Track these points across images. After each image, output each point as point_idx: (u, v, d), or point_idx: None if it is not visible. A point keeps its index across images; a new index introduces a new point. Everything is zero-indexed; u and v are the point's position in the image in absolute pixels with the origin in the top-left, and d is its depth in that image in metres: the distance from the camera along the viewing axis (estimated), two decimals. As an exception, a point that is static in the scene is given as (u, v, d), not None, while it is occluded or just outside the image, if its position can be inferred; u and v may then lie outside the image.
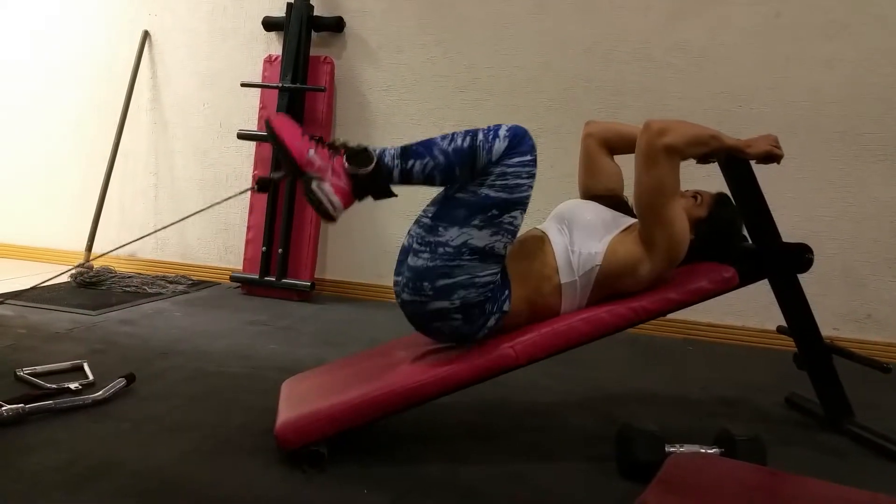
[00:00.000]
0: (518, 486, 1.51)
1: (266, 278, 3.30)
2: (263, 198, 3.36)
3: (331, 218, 1.58)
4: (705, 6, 2.94)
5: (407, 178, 1.60)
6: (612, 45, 3.05)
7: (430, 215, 1.61)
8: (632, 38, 3.03)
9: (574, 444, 1.75)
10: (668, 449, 1.55)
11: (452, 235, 1.55)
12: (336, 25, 3.36)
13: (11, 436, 1.58)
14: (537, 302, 1.66)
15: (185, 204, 3.65)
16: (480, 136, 1.55)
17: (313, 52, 3.38)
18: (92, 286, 3.24)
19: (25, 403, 1.68)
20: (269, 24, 3.44)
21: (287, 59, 3.32)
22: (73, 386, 1.85)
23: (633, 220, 1.74)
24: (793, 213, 2.81)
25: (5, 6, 3.83)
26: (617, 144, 1.90)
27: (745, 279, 1.75)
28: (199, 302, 3.13)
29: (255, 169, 3.45)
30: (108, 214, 3.60)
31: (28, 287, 3.07)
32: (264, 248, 3.32)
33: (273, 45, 3.47)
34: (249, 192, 3.42)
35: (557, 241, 1.68)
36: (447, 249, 1.55)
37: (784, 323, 1.96)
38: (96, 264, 3.39)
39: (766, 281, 1.84)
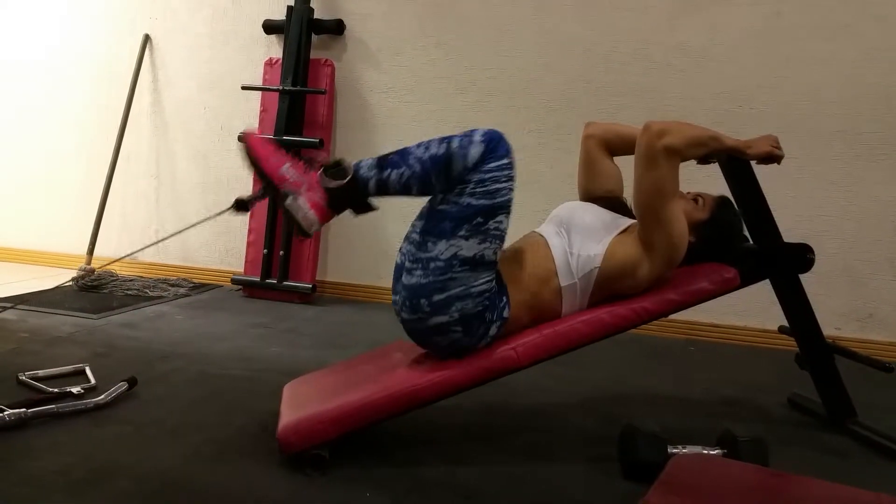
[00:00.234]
0: (520, 487, 1.51)
1: (267, 281, 3.30)
2: (264, 200, 3.36)
3: (306, 234, 1.58)
4: (705, 6, 2.94)
5: (384, 189, 1.59)
6: (612, 46, 3.05)
7: (417, 231, 1.60)
8: (632, 38, 3.03)
9: (576, 445, 1.75)
10: (671, 450, 1.54)
11: (441, 249, 1.54)
12: (336, 28, 3.36)
13: (14, 440, 1.58)
14: (537, 306, 1.66)
15: (186, 207, 3.65)
16: (455, 143, 1.54)
17: (313, 54, 3.39)
18: (93, 289, 3.24)
19: (28, 407, 1.68)
20: (270, 28, 3.44)
21: (287, 62, 3.32)
22: (74, 390, 1.85)
23: (631, 222, 1.74)
24: (794, 213, 2.81)
25: (7, 10, 3.83)
26: (617, 146, 1.90)
27: (747, 279, 1.75)
28: (201, 305, 3.13)
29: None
30: (109, 218, 3.60)
31: (29, 292, 3.08)
32: (265, 251, 3.32)
33: (273, 48, 3.48)
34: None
35: (556, 244, 1.68)
36: (438, 264, 1.54)
37: (786, 323, 1.95)
38: (98, 268, 3.39)
39: (767, 281, 1.84)
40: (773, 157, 1.71)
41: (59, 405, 1.73)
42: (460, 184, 1.54)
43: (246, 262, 3.41)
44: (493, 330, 1.62)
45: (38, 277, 3.50)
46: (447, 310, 1.55)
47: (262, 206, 3.37)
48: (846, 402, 1.89)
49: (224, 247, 3.61)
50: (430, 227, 1.57)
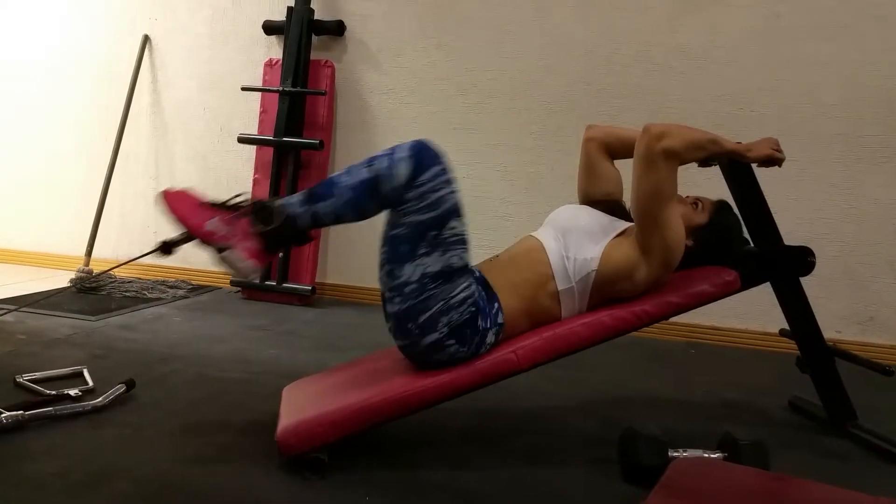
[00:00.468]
0: (520, 490, 1.50)
1: (266, 283, 3.30)
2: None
3: (249, 279, 1.57)
4: (705, 8, 2.94)
5: (317, 222, 1.58)
6: (613, 48, 3.05)
7: (383, 259, 1.59)
8: (633, 40, 3.03)
9: (576, 448, 1.75)
10: (672, 453, 1.54)
11: (409, 272, 1.53)
12: (336, 29, 3.36)
13: (11, 443, 1.58)
14: (535, 311, 1.66)
15: (186, 208, 3.64)
16: (383, 164, 1.53)
17: (314, 55, 3.38)
18: (91, 291, 3.23)
19: (25, 410, 1.67)
20: (270, 28, 3.44)
21: (287, 63, 3.32)
22: (72, 392, 1.84)
23: (628, 225, 1.74)
24: (794, 216, 2.81)
25: (7, 10, 3.83)
26: (617, 149, 1.89)
27: (747, 282, 1.74)
28: (200, 307, 3.13)
29: (255, 173, 3.45)
30: (107, 218, 3.60)
31: (26, 293, 3.08)
32: (265, 253, 3.31)
33: (273, 48, 3.48)
34: (250, 195, 3.43)
35: (552, 248, 1.67)
36: (412, 287, 1.54)
37: (786, 326, 1.95)
38: (96, 270, 3.39)
39: (768, 284, 1.83)
40: (773, 160, 1.71)
41: (56, 407, 1.73)
42: (400, 203, 1.53)
43: (245, 263, 3.40)
44: (490, 338, 1.61)
45: (36, 279, 3.49)
46: (435, 326, 1.55)
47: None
48: (847, 406, 1.89)
49: (223, 248, 3.60)
50: (391, 254, 1.56)
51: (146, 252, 1.69)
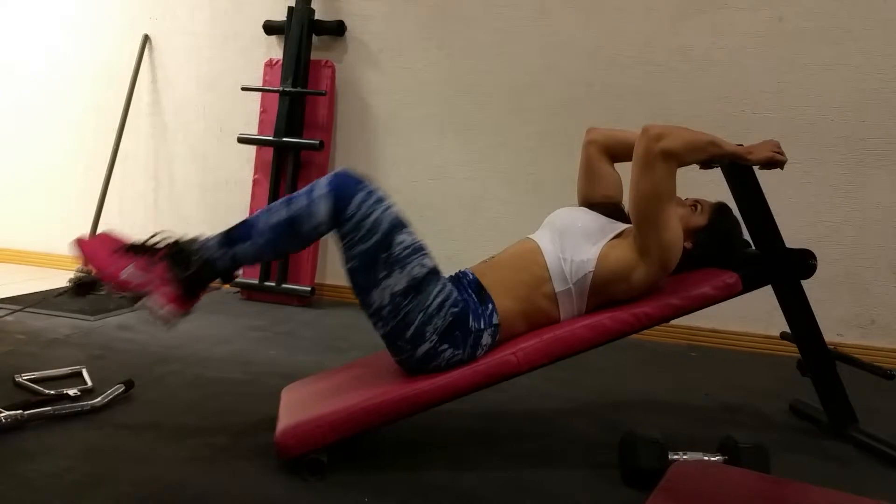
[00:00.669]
0: (520, 492, 1.50)
1: (266, 283, 3.29)
2: (263, 202, 3.35)
3: (170, 325, 1.54)
4: (708, 10, 2.94)
5: (236, 264, 1.56)
6: (614, 50, 3.04)
7: (353, 291, 1.59)
8: (634, 42, 3.02)
9: (576, 451, 1.74)
10: (672, 456, 1.53)
11: (377, 297, 1.54)
12: (337, 29, 3.35)
13: (10, 442, 1.57)
14: (532, 312, 1.66)
15: (185, 208, 3.65)
16: (302, 203, 1.52)
17: (314, 55, 3.38)
18: (91, 291, 3.22)
19: (24, 410, 1.67)
20: (270, 28, 3.43)
21: (288, 63, 3.31)
22: (71, 392, 1.84)
23: (625, 226, 1.74)
24: (796, 219, 2.80)
25: (7, 10, 3.82)
26: (618, 151, 1.89)
27: (749, 285, 1.74)
28: (199, 307, 3.10)
29: (255, 173, 3.44)
30: (107, 218, 3.58)
31: (26, 293, 3.07)
32: (265, 253, 3.30)
33: (274, 48, 3.47)
34: (250, 195, 3.43)
35: (549, 250, 1.67)
36: (386, 309, 1.55)
37: (787, 329, 1.95)
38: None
39: (769, 287, 1.83)
40: (775, 163, 1.70)
41: (55, 407, 1.72)
42: (342, 238, 1.53)
43: (245, 263, 3.40)
44: (485, 339, 1.61)
45: (36, 278, 3.49)
46: (424, 337, 1.55)
47: (262, 206, 3.34)
48: (848, 409, 1.88)
49: (223, 248, 3.60)
50: (356, 286, 1.57)
51: (59, 291, 1.67)
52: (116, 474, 1.46)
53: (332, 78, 3.38)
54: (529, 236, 1.76)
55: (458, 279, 1.70)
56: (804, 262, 1.80)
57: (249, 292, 3.35)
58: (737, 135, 1.90)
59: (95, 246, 1.53)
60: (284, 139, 3.29)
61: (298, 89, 3.29)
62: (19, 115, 3.85)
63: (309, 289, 3.26)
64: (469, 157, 3.24)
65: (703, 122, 2.80)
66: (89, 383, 1.95)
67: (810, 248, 1.81)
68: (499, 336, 1.64)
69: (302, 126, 3.35)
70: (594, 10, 3.06)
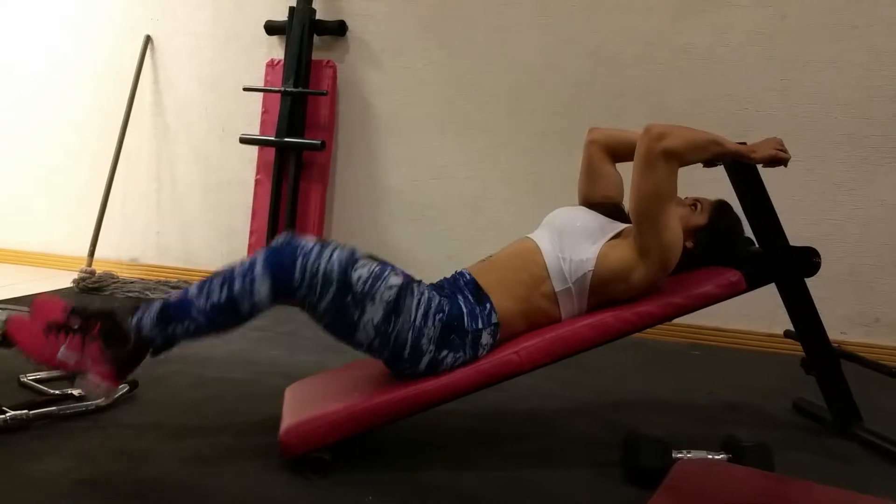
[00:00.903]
0: (522, 492, 1.49)
1: (269, 283, 3.29)
2: (265, 202, 3.36)
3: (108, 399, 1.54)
4: (710, 8, 2.93)
5: (171, 342, 1.52)
6: (616, 48, 3.04)
7: (341, 341, 1.60)
8: (636, 40, 3.02)
9: (579, 450, 1.74)
10: (675, 455, 1.53)
11: (363, 336, 1.53)
12: (338, 29, 3.35)
13: (15, 442, 1.58)
14: (531, 311, 1.66)
15: (187, 209, 3.65)
16: (238, 285, 1.47)
17: (315, 55, 3.38)
18: (94, 291, 3.23)
19: (29, 410, 1.67)
20: (271, 28, 3.43)
21: (289, 63, 3.31)
22: (76, 392, 1.84)
23: (625, 226, 1.73)
24: (800, 217, 2.80)
25: (8, 10, 3.83)
26: (620, 151, 1.88)
27: (752, 283, 1.73)
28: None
29: (257, 174, 3.44)
30: (110, 219, 3.59)
31: (29, 294, 3.08)
32: (267, 253, 3.30)
33: (275, 49, 3.47)
34: (252, 196, 3.43)
35: (548, 250, 1.67)
36: (376, 341, 1.54)
37: (791, 327, 1.94)
38: (99, 270, 3.39)
39: (772, 285, 1.82)
40: (778, 160, 1.70)
41: (60, 407, 1.73)
42: (302, 302, 1.52)
43: (247, 263, 3.40)
44: (485, 338, 1.61)
45: (39, 279, 3.49)
46: (422, 350, 1.55)
47: (264, 207, 3.37)
48: (852, 407, 1.87)
49: (225, 249, 3.60)
50: (340, 336, 1.57)
51: None
52: (120, 474, 1.46)
53: (334, 78, 3.38)
54: (528, 235, 1.75)
55: (455, 279, 1.70)
56: (808, 260, 1.79)
57: (252, 292, 3.34)
58: (739, 133, 1.89)
59: (26, 328, 1.48)
60: (286, 139, 3.29)
61: (300, 89, 3.29)
62: (22, 116, 3.85)
63: (312, 289, 3.26)
64: (470, 156, 3.24)
65: (705, 120, 2.79)
66: (93, 383, 1.95)
67: (814, 246, 1.80)
68: (499, 335, 1.63)
69: (304, 126, 3.36)
70: (595, 9, 3.06)
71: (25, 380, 1.93)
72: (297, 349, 2.53)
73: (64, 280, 3.37)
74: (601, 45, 3.06)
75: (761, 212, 1.80)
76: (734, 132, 1.79)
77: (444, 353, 1.56)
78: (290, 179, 3.32)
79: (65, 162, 3.80)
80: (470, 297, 1.63)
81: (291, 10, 3.34)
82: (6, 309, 2.64)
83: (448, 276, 1.74)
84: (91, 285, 3.26)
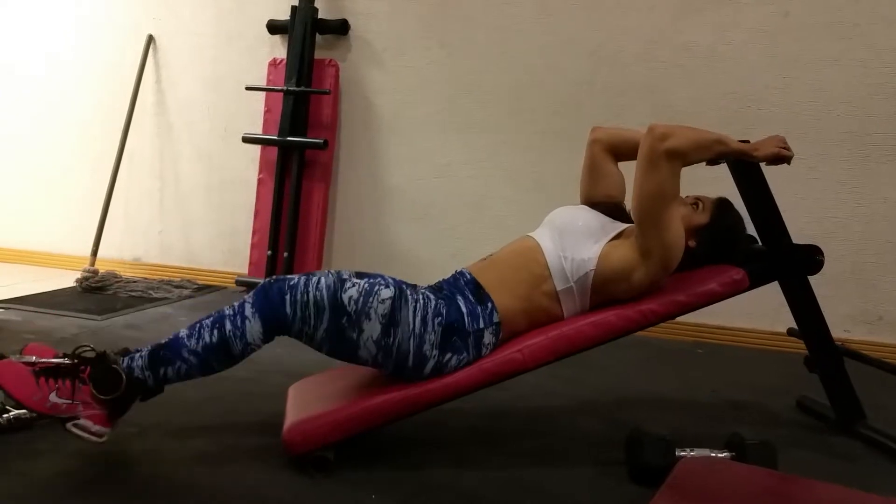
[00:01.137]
0: (525, 490, 1.49)
1: (272, 282, 3.29)
2: (268, 201, 3.36)
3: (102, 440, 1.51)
4: (712, 6, 2.92)
5: (162, 384, 1.53)
6: (617, 47, 3.04)
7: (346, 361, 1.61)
8: (638, 39, 3.01)
9: (582, 449, 1.74)
10: (679, 453, 1.53)
11: (366, 353, 1.54)
12: (340, 28, 3.35)
13: (19, 441, 1.58)
14: (532, 310, 1.65)
15: (190, 208, 3.65)
16: (228, 327, 1.49)
17: (318, 54, 3.38)
18: (97, 291, 3.24)
19: (31, 409, 1.67)
20: (274, 28, 3.43)
21: (291, 62, 3.31)
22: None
23: (626, 226, 1.73)
24: (803, 215, 2.79)
25: (10, 9, 3.84)
26: (623, 150, 1.87)
27: (755, 281, 1.73)
28: (205, 306, 3.12)
29: (260, 173, 3.45)
30: (112, 218, 3.60)
31: (32, 293, 3.08)
32: (269, 252, 3.31)
33: (277, 48, 3.47)
34: (255, 195, 3.43)
35: (549, 249, 1.67)
36: (380, 354, 1.54)
37: (794, 325, 1.94)
38: (102, 269, 3.40)
39: (776, 283, 1.82)
40: (781, 158, 1.69)
41: (62, 407, 1.72)
42: (299, 336, 1.54)
43: (250, 263, 3.41)
44: (487, 337, 1.61)
45: (42, 279, 3.50)
46: (425, 357, 1.55)
47: (266, 206, 3.37)
48: (856, 406, 1.87)
49: (228, 248, 3.61)
50: (343, 357, 1.59)
51: None
52: (123, 473, 1.46)
53: (336, 77, 3.38)
54: (529, 234, 1.75)
55: (455, 279, 1.69)
56: (811, 258, 1.79)
57: (255, 291, 3.35)
58: (742, 131, 1.89)
59: (14, 375, 1.46)
60: (289, 138, 3.29)
61: (302, 88, 3.29)
62: (24, 116, 3.86)
63: (314, 288, 3.26)
64: (472, 155, 3.24)
65: (707, 118, 2.79)
66: (96, 382, 1.95)
67: (817, 244, 1.80)
68: (501, 334, 1.63)
69: (306, 125, 3.36)
70: (596, 8, 3.05)
71: (29, 379, 1.93)
72: (301, 347, 2.50)
73: (67, 280, 3.37)
74: (602, 44, 3.05)
75: (764, 210, 1.80)
76: (736, 130, 1.79)
77: (448, 356, 1.56)
78: (292, 179, 3.32)
79: (67, 162, 3.81)
80: (470, 296, 1.63)
81: (294, 9, 3.34)
82: (10, 309, 2.65)
83: (448, 275, 1.74)
84: (94, 284, 3.26)
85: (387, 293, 1.54)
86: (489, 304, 1.62)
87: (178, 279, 3.54)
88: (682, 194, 1.70)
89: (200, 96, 3.60)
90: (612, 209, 1.83)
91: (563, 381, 2.20)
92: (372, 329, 1.51)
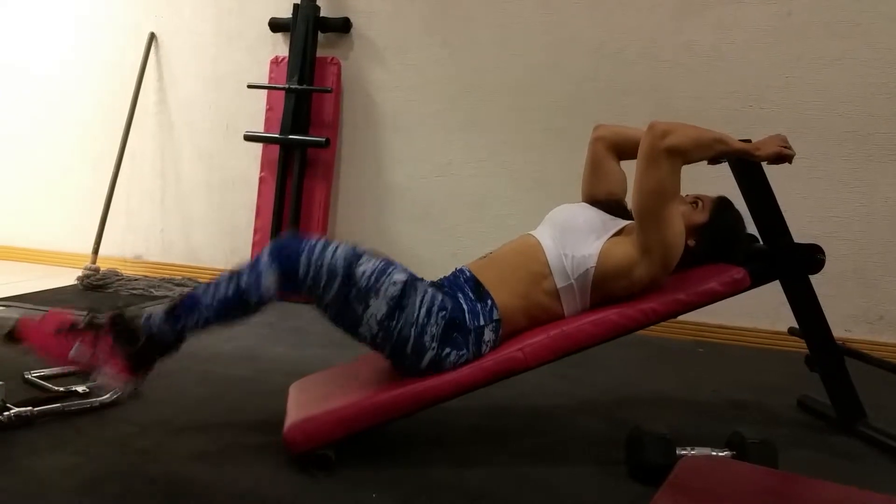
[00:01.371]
0: (527, 489, 1.49)
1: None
2: (270, 200, 3.36)
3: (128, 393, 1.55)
4: (714, 5, 2.92)
5: (182, 337, 1.56)
6: (620, 45, 3.04)
7: (346, 333, 1.61)
8: (640, 37, 3.01)
9: (583, 447, 1.74)
10: (679, 452, 1.53)
11: (366, 330, 1.54)
12: (342, 26, 3.35)
13: (20, 439, 1.58)
14: (532, 308, 1.66)
15: (192, 206, 3.66)
16: (244, 279, 1.51)
17: (320, 52, 3.38)
18: (98, 289, 3.24)
19: (34, 406, 1.67)
20: (276, 26, 3.44)
21: (293, 61, 3.32)
22: (80, 389, 1.85)
23: (626, 223, 1.73)
24: (804, 214, 2.79)
25: (12, 8, 3.84)
26: (625, 148, 1.87)
27: (756, 280, 1.73)
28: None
29: (261, 171, 3.45)
30: (114, 217, 3.60)
31: (34, 291, 3.09)
32: (271, 250, 3.31)
33: (279, 46, 3.47)
34: (256, 193, 3.44)
35: (550, 246, 1.67)
36: (381, 335, 1.54)
37: (795, 324, 1.94)
38: (103, 267, 3.40)
39: (777, 282, 1.82)
40: (783, 157, 1.69)
41: (64, 404, 1.73)
42: (309, 295, 1.54)
43: (251, 261, 3.41)
44: (487, 335, 1.61)
45: (44, 277, 3.50)
46: (424, 347, 1.55)
47: (268, 205, 3.37)
48: (856, 405, 1.87)
49: (229, 246, 3.61)
50: (344, 328, 1.59)
51: None
52: (125, 470, 1.46)
53: (338, 75, 3.38)
54: (530, 232, 1.75)
55: (455, 277, 1.69)
56: (812, 257, 1.79)
57: (256, 290, 3.35)
58: (743, 130, 1.89)
59: (38, 330, 1.53)
60: (291, 137, 3.29)
61: (304, 86, 3.29)
62: (26, 115, 3.86)
63: (315, 286, 3.26)
64: (474, 154, 3.24)
65: (709, 117, 2.79)
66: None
67: (818, 243, 1.80)
68: (501, 332, 1.63)
69: (308, 123, 3.36)
70: (598, 7, 3.05)
71: (30, 377, 1.94)
72: (302, 346, 2.53)
73: (68, 277, 3.38)
74: (604, 43, 3.05)
75: (766, 209, 1.80)
76: (738, 129, 1.79)
77: (447, 350, 1.56)
78: (294, 177, 3.33)
79: (69, 160, 3.81)
80: (470, 294, 1.63)
81: (296, 6, 3.34)
82: (11, 306, 2.65)
83: (443, 276, 1.74)
84: (95, 282, 3.27)
85: (399, 277, 1.55)
86: (489, 302, 1.62)
87: (180, 277, 3.55)
88: (683, 193, 1.70)
89: (202, 94, 3.60)
90: (614, 206, 1.83)
91: (564, 380, 2.21)
92: (378, 308, 1.52)
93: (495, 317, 1.62)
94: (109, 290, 3.23)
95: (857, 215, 2.82)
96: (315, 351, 2.47)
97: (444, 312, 1.56)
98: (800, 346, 2.05)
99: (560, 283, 1.64)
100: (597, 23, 3.06)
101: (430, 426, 1.77)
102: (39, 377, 1.95)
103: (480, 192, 3.24)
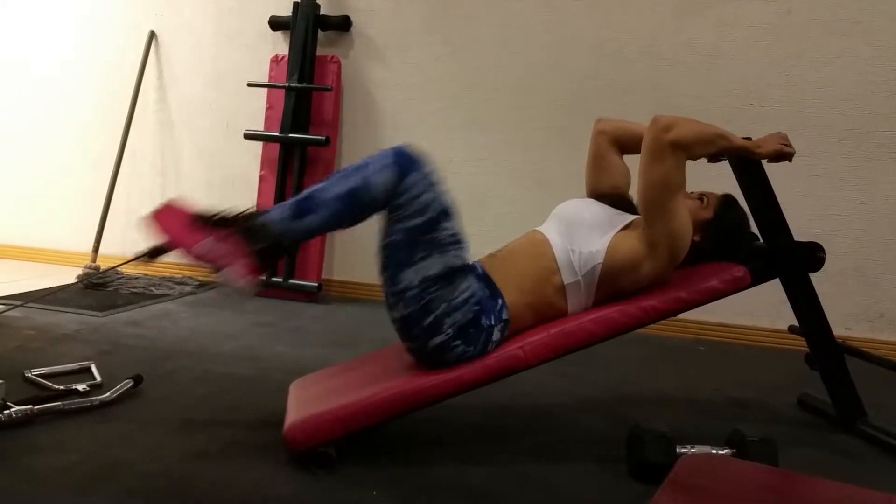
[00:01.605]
0: (528, 487, 1.50)
1: (273, 279, 3.30)
2: (270, 198, 3.36)
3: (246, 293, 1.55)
4: (715, 3, 2.92)
5: (304, 236, 1.56)
6: (621, 44, 3.03)
7: (383, 265, 1.59)
8: (641, 36, 3.01)
9: (584, 445, 1.74)
10: (680, 450, 1.53)
11: (409, 277, 1.53)
12: (343, 24, 3.35)
13: (20, 437, 1.58)
14: (540, 305, 1.66)
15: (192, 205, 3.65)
16: (366, 173, 1.52)
17: (320, 51, 3.38)
18: (98, 287, 3.24)
19: (34, 405, 1.67)
20: (276, 24, 3.43)
21: (293, 59, 3.31)
22: (80, 387, 1.85)
23: (633, 217, 1.73)
24: (804, 212, 2.79)
25: (13, 7, 3.84)
26: (628, 143, 1.88)
27: (757, 278, 1.73)
28: (207, 303, 3.13)
29: (261, 170, 3.45)
30: (114, 215, 3.60)
31: (34, 289, 3.09)
32: (271, 249, 3.31)
33: (279, 44, 3.47)
34: (256, 192, 3.44)
35: (557, 242, 1.67)
36: (413, 292, 1.54)
37: (796, 322, 1.94)
38: (103, 266, 3.40)
39: (777, 280, 1.82)
40: (783, 155, 1.69)
41: (64, 402, 1.73)
42: (390, 211, 1.54)
43: (252, 259, 3.41)
44: (495, 335, 1.61)
45: (44, 275, 3.50)
46: (440, 329, 1.55)
47: (268, 203, 3.37)
48: (856, 403, 1.87)
49: (230, 244, 3.60)
50: (389, 261, 1.56)
51: (136, 256, 1.65)
52: (125, 469, 1.46)
53: (338, 73, 3.38)
54: (537, 228, 1.75)
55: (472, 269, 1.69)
56: (812, 256, 1.79)
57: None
58: (744, 128, 1.89)
59: (171, 216, 1.53)
60: (290, 135, 3.29)
61: (304, 85, 3.29)
62: (26, 113, 3.86)
63: (316, 284, 3.27)
64: (474, 152, 3.24)
65: (709, 115, 2.76)
66: (98, 379, 1.96)
67: (818, 242, 1.80)
68: (507, 331, 1.63)
69: (308, 122, 3.36)
70: (599, 5, 3.05)
71: (30, 375, 1.94)
72: (303, 345, 2.53)
73: (68, 275, 3.38)
74: (605, 41, 3.05)
75: (766, 207, 1.80)
76: (738, 127, 1.79)
77: (457, 342, 1.56)
78: (294, 175, 3.32)
79: (69, 158, 3.81)
80: (486, 290, 1.63)
81: (296, 5, 3.34)
82: (10, 304, 2.65)
83: None
84: (95, 281, 3.26)
85: (465, 256, 1.58)
86: (500, 301, 1.62)
87: (180, 276, 3.55)
88: (686, 190, 1.70)
89: (202, 93, 3.60)
90: (619, 201, 1.83)
91: (565, 378, 2.21)
92: (432, 266, 1.53)
93: (504, 317, 1.62)
94: (109, 289, 3.23)
95: (857, 213, 2.82)
96: (315, 350, 2.47)
97: (477, 308, 1.57)
98: (800, 344, 2.05)
99: (567, 280, 1.65)
100: (597, 21, 3.06)
101: (431, 425, 1.78)
102: (39, 375, 1.95)
103: (481, 191, 3.24)
